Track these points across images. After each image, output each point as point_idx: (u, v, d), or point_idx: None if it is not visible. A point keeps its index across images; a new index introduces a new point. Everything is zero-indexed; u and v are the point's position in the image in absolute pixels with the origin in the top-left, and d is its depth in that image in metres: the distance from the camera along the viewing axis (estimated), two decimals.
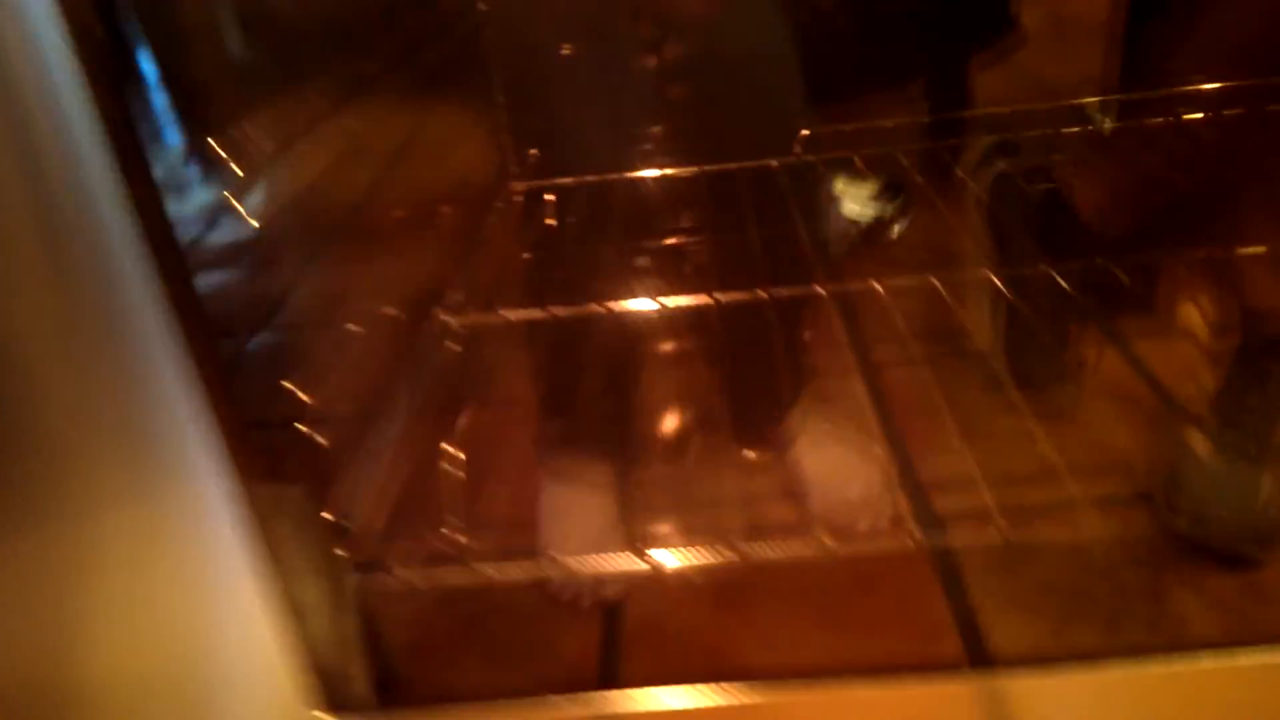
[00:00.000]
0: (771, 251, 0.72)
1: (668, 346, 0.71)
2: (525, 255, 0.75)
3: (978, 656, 0.76)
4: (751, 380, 0.88)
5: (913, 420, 1.05)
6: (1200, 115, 0.82)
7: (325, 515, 0.54)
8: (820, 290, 0.75)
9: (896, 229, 1.37)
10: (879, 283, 0.81)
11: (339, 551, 0.55)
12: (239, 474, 0.46)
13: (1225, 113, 0.80)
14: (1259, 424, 0.91)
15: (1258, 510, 0.85)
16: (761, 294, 0.71)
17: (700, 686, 0.55)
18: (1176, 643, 0.70)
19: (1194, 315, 1.04)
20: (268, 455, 0.48)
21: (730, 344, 0.72)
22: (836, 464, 0.95)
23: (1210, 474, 0.88)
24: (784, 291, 0.69)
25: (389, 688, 0.59)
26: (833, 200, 1.35)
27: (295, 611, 0.49)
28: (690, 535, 0.58)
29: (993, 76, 1.33)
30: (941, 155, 1.18)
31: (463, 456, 0.61)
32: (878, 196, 1.38)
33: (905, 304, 0.89)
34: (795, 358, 0.92)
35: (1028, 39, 1.38)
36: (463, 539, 0.57)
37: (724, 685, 0.55)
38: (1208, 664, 0.60)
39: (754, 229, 0.74)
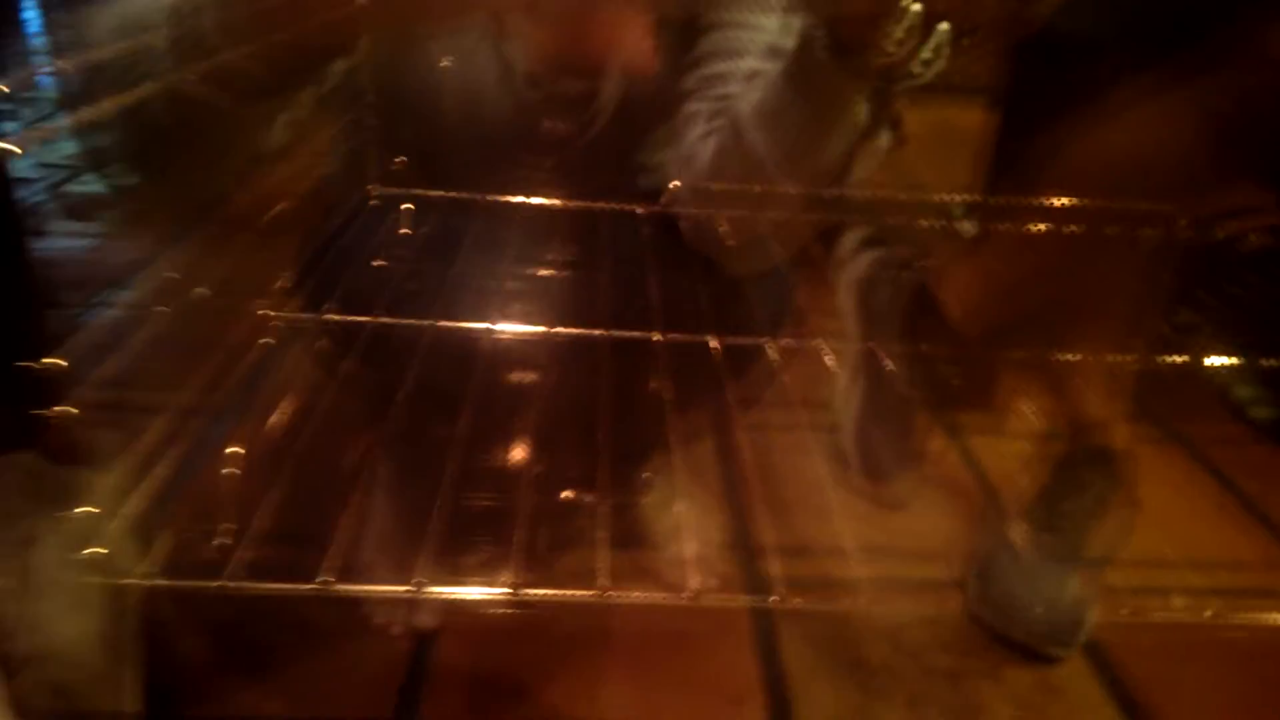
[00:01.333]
0: (618, 293, 0.72)
1: (511, 375, 0.70)
2: (376, 263, 0.72)
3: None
4: (600, 427, 0.87)
5: (762, 486, 1.07)
6: (1046, 227, 0.88)
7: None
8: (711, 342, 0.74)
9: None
10: (771, 342, 0.81)
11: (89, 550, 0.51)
12: None
13: (1068, 229, 0.86)
14: (1072, 530, 0.96)
15: (1060, 611, 0.89)
16: (601, 333, 0.70)
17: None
18: None
19: (1028, 420, 1.10)
20: None
21: (574, 383, 0.71)
22: (676, 521, 0.95)
23: (1021, 571, 0.92)
24: (625, 335, 0.69)
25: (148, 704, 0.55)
26: None
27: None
28: (509, 572, 0.56)
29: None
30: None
31: (242, 457, 0.58)
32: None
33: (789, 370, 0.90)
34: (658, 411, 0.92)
35: (907, 139, 1.45)
36: (239, 549, 0.53)
37: None
38: None
39: (608, 272, 0.74)
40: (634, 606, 0.82)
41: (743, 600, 0.90)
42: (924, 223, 1.22)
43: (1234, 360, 0.82)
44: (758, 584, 0.93)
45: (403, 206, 0.81)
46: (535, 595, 0.51)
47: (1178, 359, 0.81)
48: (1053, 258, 0.95)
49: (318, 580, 0.51)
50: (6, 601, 0.45)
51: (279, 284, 0.75)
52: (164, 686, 0.59)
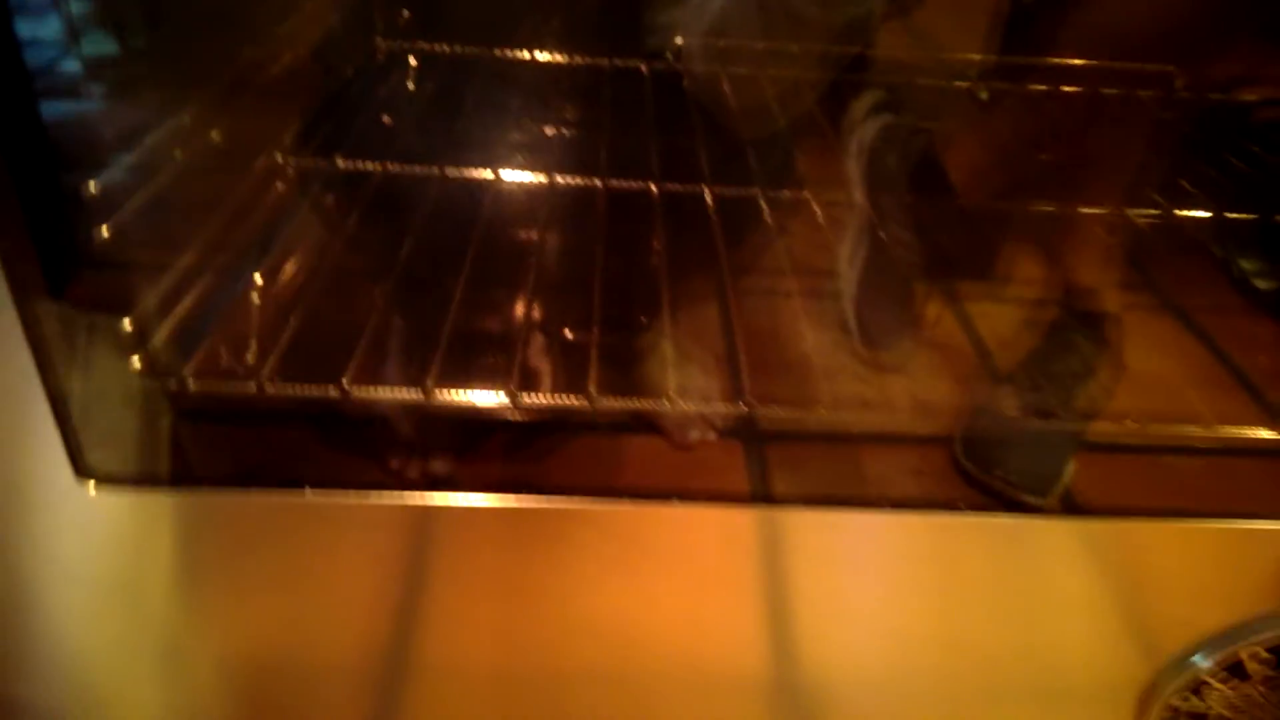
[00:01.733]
0: (619, 148, 0.74)
1: (513, 225, 0.74)
2: (384, 118, 0.75)
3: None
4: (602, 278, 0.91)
5: (757, 342, 1.11)
6: (1051, 89, 0.89)
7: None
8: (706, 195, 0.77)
9: None
10: (762, 192, 0.84)
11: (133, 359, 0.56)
12: None
13: (1072, 90, 0.87)
14: (1058, 389, 1.00)
15: (1043, 466, 0.94)
16: (599, 183, 0.73)
17: (505, 496, 0.60)
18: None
19: (1024, 286, 1.13)
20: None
21: (573, 234, 0.75)
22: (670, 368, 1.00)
23: (1008, 427, 0.97)
24: (624, 185, 0.72)
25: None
26: None
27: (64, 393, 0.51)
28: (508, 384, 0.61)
29: (889, 33, 1.37)
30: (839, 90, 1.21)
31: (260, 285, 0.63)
32: None
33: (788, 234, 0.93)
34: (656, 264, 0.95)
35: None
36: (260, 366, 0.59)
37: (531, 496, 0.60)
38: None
39: (609, 127, 0.76)
40: (633, 442, 0.88)
41: (732, 436, 0.95)
42: (937, 86, 1.22)
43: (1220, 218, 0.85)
44: (748, 426, 0.98)
45: (409, 60, 0.83)
46: (533, 403, 0.57)
47: (1157, 216, 0.83)
48: (1056, 121, 0.96)
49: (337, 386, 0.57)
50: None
51: (290, 135, 0.78)
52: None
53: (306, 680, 0.68)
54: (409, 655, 0.66)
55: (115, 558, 0.60)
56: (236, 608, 0.63)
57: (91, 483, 0.56)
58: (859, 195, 1.18)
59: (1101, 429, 0.95)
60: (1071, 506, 0.87)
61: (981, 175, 1.09)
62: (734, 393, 0.97)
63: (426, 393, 0.58)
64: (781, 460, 0.92)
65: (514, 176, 0.74)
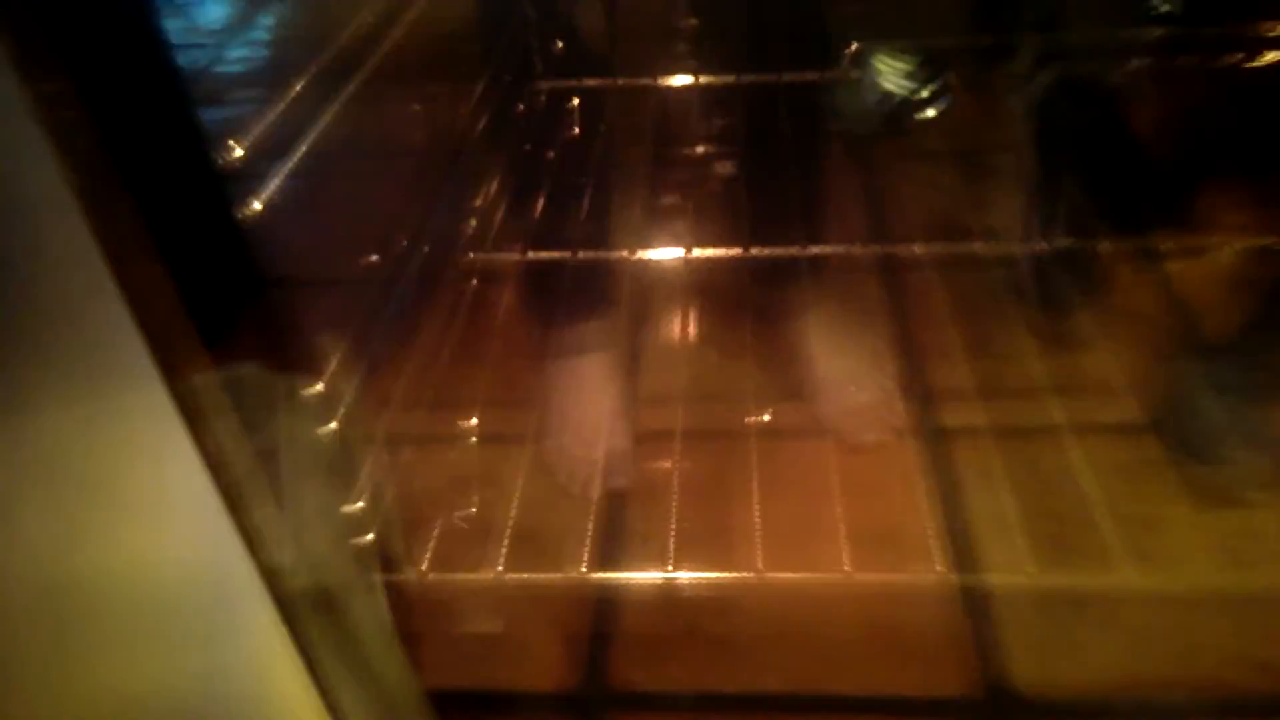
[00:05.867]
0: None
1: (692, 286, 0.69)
2: (549, 156, 0.71)
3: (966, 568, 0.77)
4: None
5: (927, 327, 1.03)
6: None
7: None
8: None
9: (931, 111, 1.28)
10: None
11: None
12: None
13: None
14: None
15: (1265, 452, 0.84)
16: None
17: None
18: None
19: (1234, 243, 1.00)
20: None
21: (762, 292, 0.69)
22: (846, 368, 0.95)
23: (1224, 408, 0.87)
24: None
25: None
26: (865, 74, 1.24)
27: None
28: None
29: None
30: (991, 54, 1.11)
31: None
32: (914, 74, 1.29)
33: (931, 200, 0.85)
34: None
35: None
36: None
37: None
38: None
39: (788, 146, 0.70)
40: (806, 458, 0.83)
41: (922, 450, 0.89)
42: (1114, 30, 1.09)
43: None
44: (935, 431, 0.92)
45: (571, 99, 0.78)
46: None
47: None
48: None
49: None
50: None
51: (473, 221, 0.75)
52: None
53: None
54: None
55: None
56: None
57: None
58: (1029, 157, 1.08)
59: None
60: None
61: (1175, 131, 0.97)
62: (926, 418, 0.89)
63: None
64: (975, 471, 0.84)
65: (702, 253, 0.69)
